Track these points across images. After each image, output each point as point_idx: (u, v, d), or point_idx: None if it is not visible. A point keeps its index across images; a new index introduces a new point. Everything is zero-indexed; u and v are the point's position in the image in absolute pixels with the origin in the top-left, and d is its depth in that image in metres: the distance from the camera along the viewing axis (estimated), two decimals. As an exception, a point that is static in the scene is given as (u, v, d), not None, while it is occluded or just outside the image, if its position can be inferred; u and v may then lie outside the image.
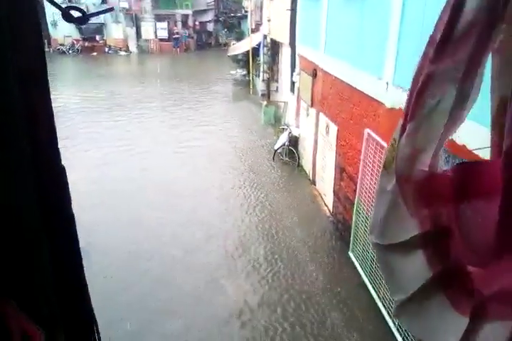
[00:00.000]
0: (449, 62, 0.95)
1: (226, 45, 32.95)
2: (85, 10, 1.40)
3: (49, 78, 1.29)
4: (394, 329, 4.97)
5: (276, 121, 14.28)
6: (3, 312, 1.46)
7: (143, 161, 11.10)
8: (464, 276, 1.04)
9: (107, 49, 35.24)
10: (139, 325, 5.28)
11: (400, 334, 4.84)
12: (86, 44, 34.78)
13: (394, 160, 1.09)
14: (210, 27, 39.40)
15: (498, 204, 0.87)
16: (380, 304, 5.40)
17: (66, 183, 1.84)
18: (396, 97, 4.95)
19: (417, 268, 1.10)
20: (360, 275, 6.06)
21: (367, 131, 5.68)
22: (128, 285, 6.03)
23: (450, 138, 1.07)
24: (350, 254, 6.56)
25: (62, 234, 1.84)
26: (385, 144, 5.09)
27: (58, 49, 33.53)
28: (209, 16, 38.68)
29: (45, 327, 1.57)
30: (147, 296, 5.84)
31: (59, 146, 1.86)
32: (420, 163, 1.05)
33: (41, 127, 1.69)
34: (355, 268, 6.27)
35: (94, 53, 34.06)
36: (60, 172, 1.80)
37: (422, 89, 1.00)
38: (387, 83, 5.20)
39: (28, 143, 1.53)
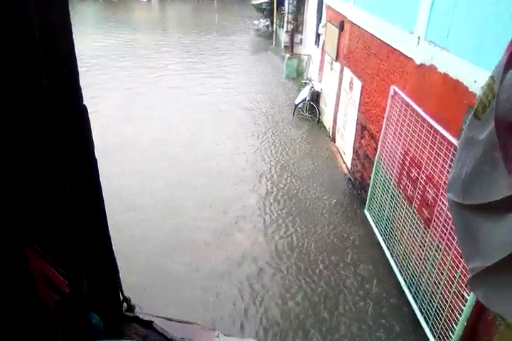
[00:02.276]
0: None
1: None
2: None
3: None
4: (404, 287, 5.03)
5: (299, 75, 13.93)
6: (26, 258, 1.47)
7: (160, 111, 11.05)
8: None
9: (127, -6, 34.23)
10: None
11: (410, 292, 4.90)
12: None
13: (491, 103, 0.91)
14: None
15: None
16: (392, 263, 5.44)
17: (88, 123, 1.77)
18: (427, 53, 4.72)
19: (506, 234, 0.94)
20: (374, 234, 6.08)
21: (393, 87, 5.48)
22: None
23: None
24: (366, 213, 6.55)
25: (84, 176, 1.81)
26: (411, 102, 4.92)
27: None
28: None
29: (68, 272, 1.59)
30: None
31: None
32: None
33: (61, 61, 1.59)
34: (370, 226, 6.27)
35: (115, -1, 33.19)
36: (82, 111, 1.73)
37: None
38: (418, 38, 4.95)
39: (48, 78, 1.45)
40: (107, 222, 2.07)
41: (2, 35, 1.19)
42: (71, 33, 1.57)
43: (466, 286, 3.74)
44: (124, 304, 2.25)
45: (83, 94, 1.73)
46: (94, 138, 1.86)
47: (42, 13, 1.34)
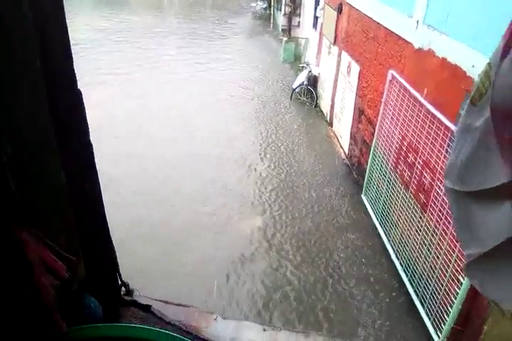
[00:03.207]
0: None
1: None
2: None
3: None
4: (401, 271, 5.09)
5: (296, 59, 13.81)
6: (22, 242, 1.47)
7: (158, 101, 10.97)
8: None
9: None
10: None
11: (406, 275, 4.96)
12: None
13: (487, 90, 0.90)
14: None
15: None
16: (389, 247, 5.48)
17: (82, 108, 1.75)
18: (426, 37, 4.68)
19: (501, 221, 0.94)
20: (371, 219, 6.11)
21: (391, 72, 5.45)
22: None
23: None
24: (363, 197, 6.58)
25: (79, 161, 1.80)
26: (409, 87, 4.90)
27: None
28: None
29: (65, 257, 1.59)
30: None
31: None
32: None
33: (55, 46, 1.57)
34: (367, 211, 6.31)
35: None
36: (76, 97, 1.71)
37: None
38: (417, 22, 4.90)
39: (42, 63, 1.43)
40: (103, 206, 2.06)
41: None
42: (64, 18, 1.55)
43: (461, 270, 3.78)
44: (123, 288, 2.26)
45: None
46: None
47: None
